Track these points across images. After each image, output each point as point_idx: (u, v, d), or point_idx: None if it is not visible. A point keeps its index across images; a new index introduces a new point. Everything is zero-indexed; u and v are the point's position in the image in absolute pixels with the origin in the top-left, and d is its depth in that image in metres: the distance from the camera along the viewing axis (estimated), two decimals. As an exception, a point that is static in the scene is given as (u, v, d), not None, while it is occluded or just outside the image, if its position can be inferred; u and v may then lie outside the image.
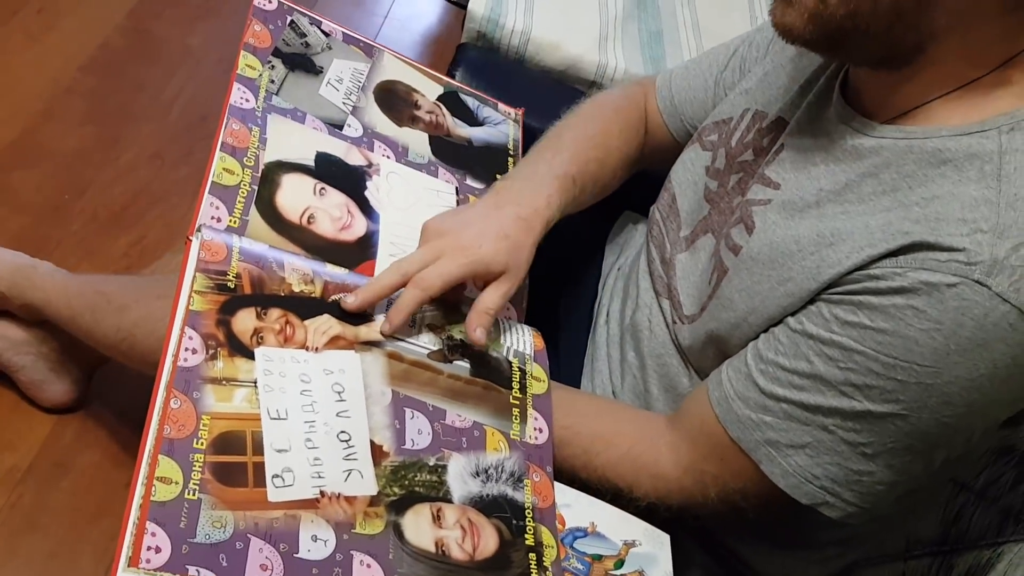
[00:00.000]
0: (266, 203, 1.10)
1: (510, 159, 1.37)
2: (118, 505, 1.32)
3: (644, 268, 1.24)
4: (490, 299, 1.04)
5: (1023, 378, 0.89)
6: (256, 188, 1.10)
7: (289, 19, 1.28)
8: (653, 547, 1.01)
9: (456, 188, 1.28)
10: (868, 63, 0.95)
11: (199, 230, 0.98)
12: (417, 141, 1.30)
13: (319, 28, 1.32)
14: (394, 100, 1.32)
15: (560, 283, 1.34)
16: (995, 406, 0.92)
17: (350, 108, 1.26)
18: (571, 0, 1.97)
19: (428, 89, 1.38)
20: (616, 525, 1.02)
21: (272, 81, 1.20)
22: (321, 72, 1.27)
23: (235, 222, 1.07)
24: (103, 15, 2.08)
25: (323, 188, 1.15)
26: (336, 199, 1.16)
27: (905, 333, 0.87)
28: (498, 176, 1.32)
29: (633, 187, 1.45)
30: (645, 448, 1.05)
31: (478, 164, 1.33)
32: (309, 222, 1.12)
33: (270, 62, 1.22)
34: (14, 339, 1.36)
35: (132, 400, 1.42)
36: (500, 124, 1.41)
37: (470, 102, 1.41)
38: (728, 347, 1.05)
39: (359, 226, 1.15)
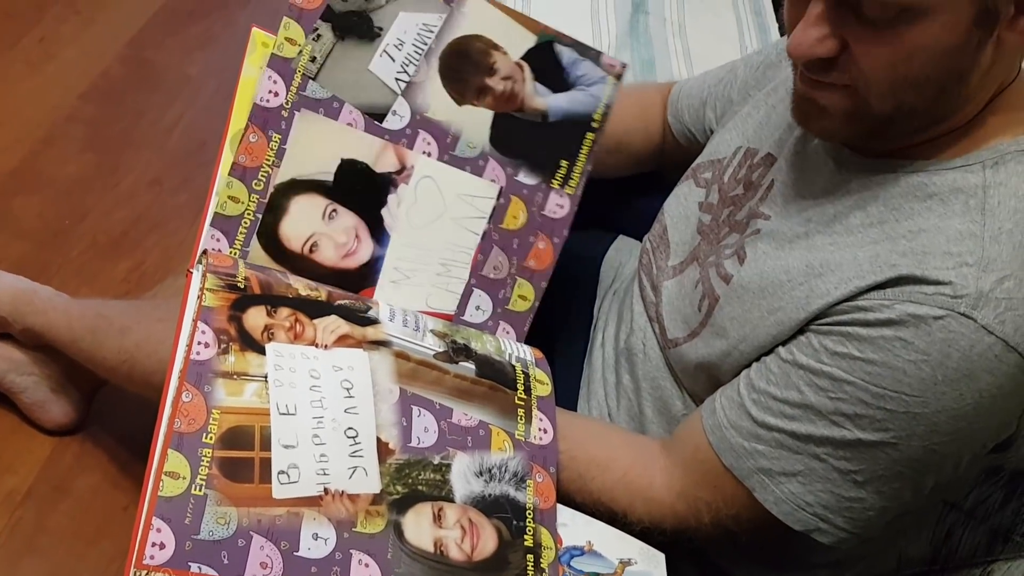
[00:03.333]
0: (268, 233, 1.10)
1: (589, 136, 1.21)
2: (117, 527, 1.35)
3: (637, 293, 1.26)
4: None
5: (1008, 407, 0.92)
6: (260, 216, 1.10)
7: None
8: (649, 566, 1.02)
9: (500, 189, 1.18)
10: (904, 138, 0.96)
11: (200, 261, 1.00)
12: (475, 124, 1.17)
13: None
14: (464, 66, 1.17)
15: (556, 306, 1.36)
16: (982, 434, 0.94)
17: (402, 86, 1.14)
18: (565, 29, 1.99)
19: (517, 41, 1.19)
20: (612, 544, 1.03)
21: (313, 59, 1.10)
22: (379, 36, 1.13)
23: (235, 253, 1.08)
24: (104, 44, 2.09)
25: (334, 210, 1.13)
26: (346, 222, 1.14)
27: (893, 364, 0.89)
28: (562, 163, 1.20)
29: (626, 214, 1.48)
30: (639, 473, 1.07)
31: (544, 147, 1.20)
32: (311, 251, 1.12)
33: (316, 30, 1.10)
34: (16, 361, 1.37)
35: (132, 423, 1.42)
36: (595, 85, 1.22)
37: (565, 56, 1.22)
38: (720, 373, 1.06)
39: (364, 252, 1.14)
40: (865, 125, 0.93)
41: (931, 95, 0.89)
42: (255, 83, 1.18)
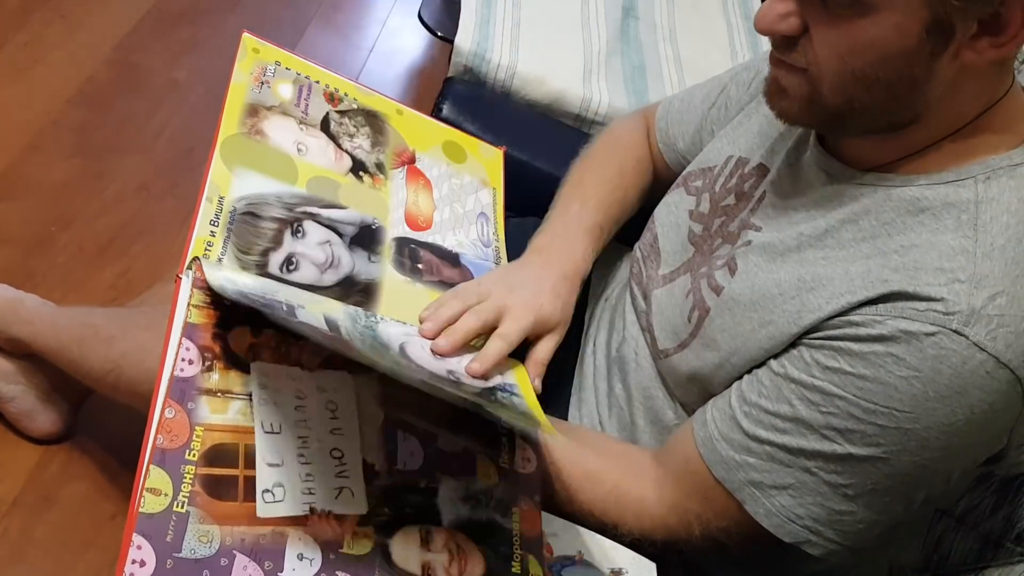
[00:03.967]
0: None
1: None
2: (104, 537, 1.35)
3: (629, 302, 1.25)
4: (544, 351, 1.12)
5: (999, 423, 0.92)
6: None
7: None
8: (640, 575, 1.02)
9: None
10: (863, 135, 0.98)
11: (190, 267, 0.99)
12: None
13: None
14: None
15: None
16: (972, 449, 0.94)
17: None
18: (555, 35, 1.99)
19: None
20: (603, 554, 1.03)
21: None
22: None
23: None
24: (90, 49, 2.08)
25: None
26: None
27: (885, 379, 0.89)
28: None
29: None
30: (630, 486, 1.06)
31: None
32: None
33: None
34: (3, 370, 1.36)
35: (119, 432, 1.43)
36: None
37: None
38: (712, 385, 1.06)
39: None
40: (821, 116, 0.95)
41: (880, 96, 0.90)
42: (245, 88, 1.18)
